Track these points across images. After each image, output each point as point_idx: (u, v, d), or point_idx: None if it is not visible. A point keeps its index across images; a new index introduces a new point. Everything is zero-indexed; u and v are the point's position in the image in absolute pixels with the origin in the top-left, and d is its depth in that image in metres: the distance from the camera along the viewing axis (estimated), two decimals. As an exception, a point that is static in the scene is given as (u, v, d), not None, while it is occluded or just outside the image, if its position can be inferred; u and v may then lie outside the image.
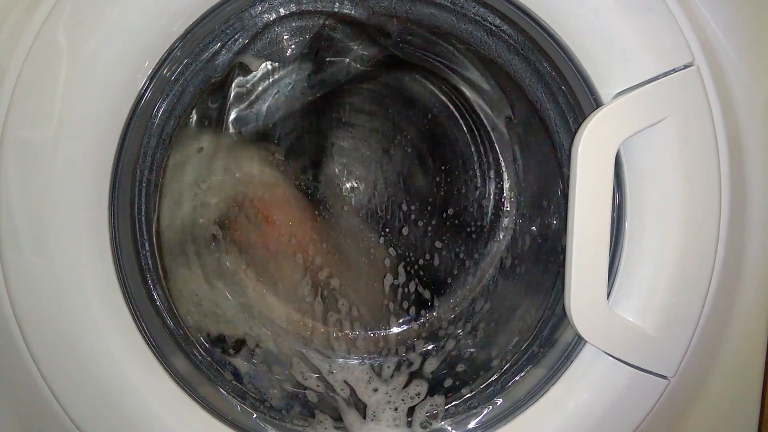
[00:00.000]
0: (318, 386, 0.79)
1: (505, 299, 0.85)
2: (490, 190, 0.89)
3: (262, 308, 0.85)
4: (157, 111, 0.65)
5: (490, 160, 0.89)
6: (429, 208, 0.88)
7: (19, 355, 0.61)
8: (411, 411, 0.76)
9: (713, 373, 0.72)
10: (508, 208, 0.89)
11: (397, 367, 0.83)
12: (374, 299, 0.88)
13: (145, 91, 0.60)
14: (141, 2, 0.57)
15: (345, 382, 0.80)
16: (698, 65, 0.62)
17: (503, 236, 0.89)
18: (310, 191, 0.86)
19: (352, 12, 0.72)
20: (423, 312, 0.89)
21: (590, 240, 0.62)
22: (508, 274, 0.87)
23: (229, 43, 0.68)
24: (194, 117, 0.78)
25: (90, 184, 0.59)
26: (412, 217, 0.88)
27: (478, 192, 0.89)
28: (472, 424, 0.71)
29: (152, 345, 0.63)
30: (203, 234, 0.82)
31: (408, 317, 0.88)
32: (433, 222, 0.89)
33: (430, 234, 0.89)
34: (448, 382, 0.79)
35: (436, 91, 0.87)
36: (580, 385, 0.66)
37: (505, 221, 0.89)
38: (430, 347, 0.86)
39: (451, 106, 0.88)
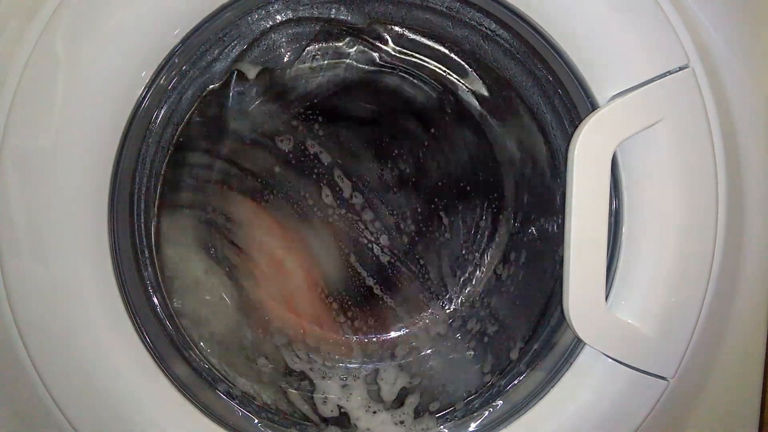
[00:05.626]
0: (332, 411, 0.79)
1: (504, 305, 0.85)
2: (488, 192, 0.89)
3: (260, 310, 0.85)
4: (156, 119, 0.65)
5: (489, 164, 0.89)
6: (427, 214, 0.88)
7: (19, 361, 0.61)
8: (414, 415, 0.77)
9: (713, 374, 0.72)
10: (507, 212, 0.89)
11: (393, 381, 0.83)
12: (367, 307, 0.88)
13: (143, 99, 0.61)
14: (138, 11, 0.58)
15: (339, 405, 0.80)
16: (693, 67, 0.62)
17: (502, 241, 0.89)
18: (306, 199, 0.86)
19: (349, 18, 0.72)
20: (417, 320, 0.89)
21: (588, 242, 0.62)
22: (506, 279, 0.87)
23: (226, 50, 0.68)
24: (192, 124, 0.78)
25: (89, 192, 0.59)
26: (409, 225, 0.88)
27: (476, 195, 0.89)
28: (472, 427, 0.71)
29: (152, 351, 0.63)
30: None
31: (402, 326, 0.89)
32: (431, 229, 0.89)
33: (426, 240, 0.89)
34: (441, 395, 0.79)
35: (434, 96, 0.87)
36: (579, 387, 0.66)
37: (504, 225, 0.89)
38: (428, 351, 0.86)
39: (449, 111, 0.88)
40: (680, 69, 0.62)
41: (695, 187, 0.63)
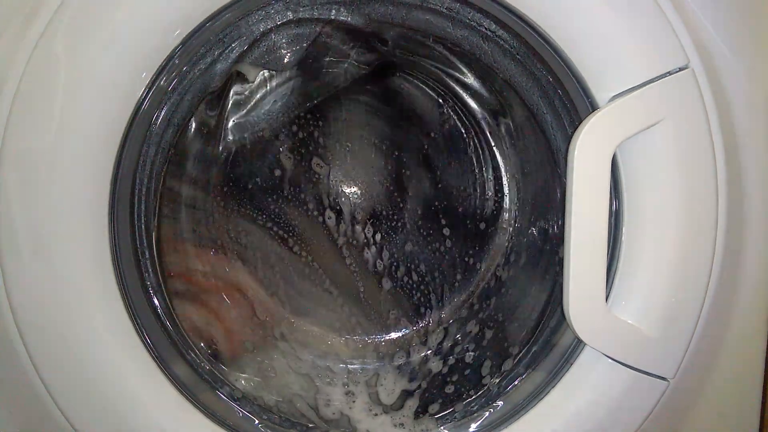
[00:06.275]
0: (333, 414, 0.79)
1: (504, 306, 0.85)
2: (488, 194, 0.89)
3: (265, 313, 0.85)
4: (156, 120, 0.65)
5: (489, 166, 0.89)
6: (427, 217, 0.88)
7: (19, 362, 0.61)
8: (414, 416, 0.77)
9: (713, 374, 0.72)
10: (508, 214, 0.89)
11: (393, 381, 0.83)
12: (368, 307, 0.88)
13: (144, 100, 0.61)
14: (138, 12, 0.58)
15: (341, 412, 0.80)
16: (693, 67, 0.62)
17: (502, 243, 0.89)
18: (308, 198, 0.86)
19: (349, 19, 0.72)
20: (417, 322, 0.89)
21: (588, 242, 0.62)
22: (507, 279, 0.87)
23: (226, 51, 0.68)
24: (193, 125, 0.78)
25: (90, 193, 0.59)
26: (409, 228, 0.88)
27: (476, 197, 0.89)
28: (472, 428, 0.71)
29: (152, 351, 0.63)
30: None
31: (401, 328, 0.89)
32: (431, 231, 0.89)
33: (427, 244, 0.89)
34: (440, 397, 0.79)
35: (434, 97, 0.88)
36: (580, 387, 0.66)
37: (504, 227, 0.89)
38: (427, 353, 0.86)
39: (449, 112, 0.88)
40: (680, 69, 0.62)
41: (695, 188, 0.63)
